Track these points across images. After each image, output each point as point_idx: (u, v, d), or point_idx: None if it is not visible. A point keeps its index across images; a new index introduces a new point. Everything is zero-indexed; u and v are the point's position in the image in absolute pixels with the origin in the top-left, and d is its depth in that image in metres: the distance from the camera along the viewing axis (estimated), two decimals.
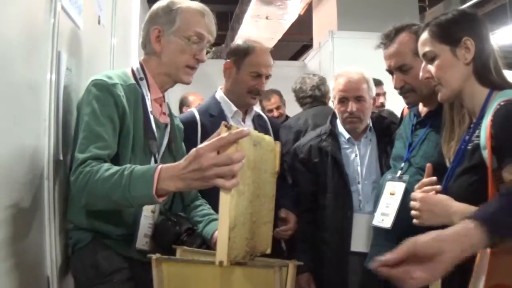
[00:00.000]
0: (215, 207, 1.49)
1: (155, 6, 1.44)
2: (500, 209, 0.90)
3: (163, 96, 1.47)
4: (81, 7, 1.58)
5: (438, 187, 1.26)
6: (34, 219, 1.25)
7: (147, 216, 1.31)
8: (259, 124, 2.02)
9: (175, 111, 1.69)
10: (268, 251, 1.24)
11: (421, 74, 1.30)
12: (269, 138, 1.21)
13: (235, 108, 1.91)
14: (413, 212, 1.27)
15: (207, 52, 1.44)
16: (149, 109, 1.36)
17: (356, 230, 1.79)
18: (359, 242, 1.78)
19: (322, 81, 2.85)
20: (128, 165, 1.12)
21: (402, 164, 1.60)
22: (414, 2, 4.86)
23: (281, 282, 1.07)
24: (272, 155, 1.20)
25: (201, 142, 1.76)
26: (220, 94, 1.95)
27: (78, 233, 1.32)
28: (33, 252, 1.25)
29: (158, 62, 1.41)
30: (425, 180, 1.30)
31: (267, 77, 1.91)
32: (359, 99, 1.87)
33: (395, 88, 1.63)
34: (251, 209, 1.09)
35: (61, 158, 1.37)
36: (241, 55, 1.89)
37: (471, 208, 1.11)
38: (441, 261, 0.83)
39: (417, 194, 1.27)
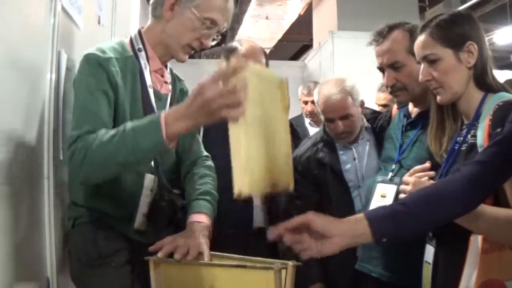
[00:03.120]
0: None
1: None
2: (389, 216, 0.99)
3: (165, 66, 1.41)
4: (81, 7, 1.58)
5: (432, 173, 1.26)
6: (34, 219, 1.25)
7: (146, 194, 1.28)
8: None
9: None
10: (291, 187, 1.19)
11: (421, 76, 1.27)
12: (273, 73, 1.17)
13: None
14: (402, 196, 1.27)
15: (213, 39, 1.38)
16: (148, 82, 1.31)
17: None
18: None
19: None
20: (126, 123, 1.10)
21: (393, 166, 1.57)
22: (414, 2, 4.86)
23: (281, 283, 1.07)
24: (279, 91, 1.16)
25: (204, 133, 1.75)
26: None
27: (81, 209, 1.30)
28: (33, 252, 1.25)
29: (162, 29, 1.32)
30: (418, 167, 1.30)
31: None
32: (345, 117, 1.80)
33: (386, 86, 1.59)
34: (265, 144, 1.05)
35: (61, 158, 1.37)
36: (231, 51, 1.92)
37: None
38: (331, 242, 0.97)
39: (409, 178, 1.27)
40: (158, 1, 1.32)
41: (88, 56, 1.23)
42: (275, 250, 2.01)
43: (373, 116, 1.95)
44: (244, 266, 1.09)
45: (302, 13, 6.55)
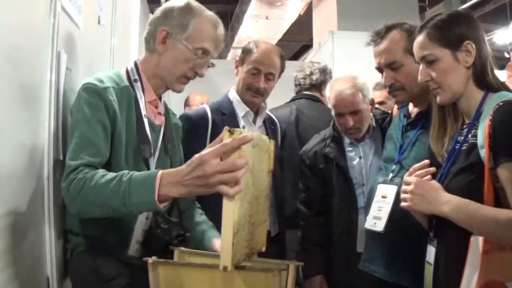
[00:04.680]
0: (210, 210, 1.49)
1: (171, 3, 1.37)
2: None
3: (160, 97, 1.44)
4: (81, 7, 1.58)
5: (432, 169, 1.26)
6: (34, 219, 1.25)
7: (142, 221, 1.29)
8: (270, 127, 2.02)
9: (176, 111, 1.65)
10: (263, 249, 1.23)
11: (420, 77, 1.28)
12: (265, 138, 1.20)
13: (247, 108, 1.91)
14: (403, 196, 1.27)
15: (208, 66, 1.40)
16: (143, 112, 1.33)
17: (362, 231, 1.77)
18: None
19: (319, 70, 2.60)
20: (125, 171, 1.10)
21: (394, 166, 1.58)
22: (414, 2, 4.86)
23: (281, 284, 1.07)
24: (267, 154, 1.20)
25: (211, 139, 1.76)
26: (233, 94, 1.95)
27: (77, 238, 1.32)
28: (33, 253, 1.25)
29: (156, 62, 1.36)
30: (416, 165, 1.30)
31: (269, 75, 1.88)
32: (355, 112, 1.84)
33: (385, 86, 1.61)
34: (251, 211, 1.09)
35: (61, 158, 1.37)
36: (246, 52, 1.91)
37: (463, 201, 1.13)
38: None
39: (411, 178, 1.27)
40: (151, 35, 1.36)
41: (86, 86, 1.26)
42: (281, 250, 2.02)
43: (382, 117, 1.97)
44: (245, 268, 1.09)
45: (302, 13, 6.56)
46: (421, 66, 1.28)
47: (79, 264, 1.31)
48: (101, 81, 1.28)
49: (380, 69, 1.61)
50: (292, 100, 2.58)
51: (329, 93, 1.90)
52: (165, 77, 1.37)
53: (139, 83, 1.35)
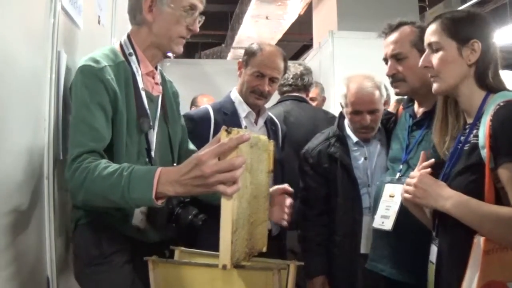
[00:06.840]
0: (209, 209, 1.49)
1: None
2: None
3: (156, 68, 1.43)
4: (81, 7, 1.58)
5: (432, 160, 1.28)
6: (34, 219, 1.25)
7: None
8: (271, 127, 2.03)
9: (182, 110, 1.65)
10: (264, 249, 1.24)
11: (421, 62, 1.30)
12: (264, 138, 1.20)
13: (248, 109, 1.91)
14: (406, 188, 1.28)
15: (199, 22, 1.40)
16: (140, 85, 1.34)
17: (366, 232, 1.77)
18: (369, 244, 1.75)
19: (308, 71, 2.69)
20: (126, 165, 1.11)
21: (401, 166, 1.59)
22: (414, 2, 4.85)
23: (280, 284, 1.07)
24: (267, 154, 1.20)
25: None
26: (235, 94, 1.95)
27: (81, 211, 1.32)
28: (33, 252, 1.25)
29: (148, 32, 1.35)
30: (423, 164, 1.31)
31: (273, 79, 1.89)
32: (373, 111, 1.82)
33: (387, 75, 1.63)
34: (250, 210, 1.09)
35: (61, 158, 1.37)
36: (250, 54, 1.92)
37: (465, 197, 1.14)
38: None
39: (416, 172, 1.28)
40: (136, 9, 1.35)
41: (83, 68, 1.25)
42: (282, 250, 2.02)
43: (386, 117, 1.96)
44: (244, 267, 1.09)
45: (302, 13, 6.56)
46: (426, 52, 1.30)
47: (82, 236, 1.31)
48: (97, 61, 1.26)
49: (386, 60, 1.64)
50: (279, 101, 2.59)
51: (346, 91, 1.85)
52: (162, 44, 1.36)
53: (134, 57, 1.35)
